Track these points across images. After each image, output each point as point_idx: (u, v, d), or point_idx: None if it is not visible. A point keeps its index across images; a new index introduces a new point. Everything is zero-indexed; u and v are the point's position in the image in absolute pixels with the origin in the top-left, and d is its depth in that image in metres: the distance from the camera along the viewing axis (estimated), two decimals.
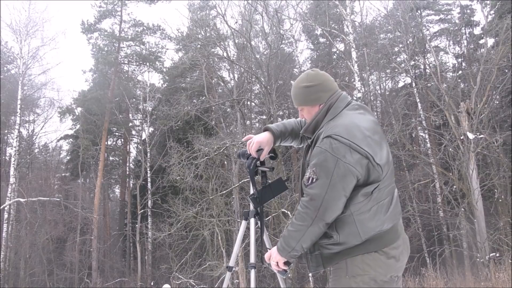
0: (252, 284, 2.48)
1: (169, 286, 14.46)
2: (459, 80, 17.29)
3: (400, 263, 2.08)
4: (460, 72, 17.11)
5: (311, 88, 2.18)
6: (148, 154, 22.60)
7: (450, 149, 13.54)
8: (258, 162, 2.60)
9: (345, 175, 1.93)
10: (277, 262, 2.16)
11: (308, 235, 2.01)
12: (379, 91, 22.43)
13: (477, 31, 21.79)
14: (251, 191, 2.63)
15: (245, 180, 14.98)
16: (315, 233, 2.01)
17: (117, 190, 28.58)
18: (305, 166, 2.16)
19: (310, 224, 1.98)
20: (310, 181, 1.99)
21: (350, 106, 2.16)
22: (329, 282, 2.13)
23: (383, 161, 2.03)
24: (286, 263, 2.17)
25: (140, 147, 24.10)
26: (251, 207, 2.65)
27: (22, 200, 19.71)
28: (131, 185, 26.22)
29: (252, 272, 2.49)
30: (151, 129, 24.64)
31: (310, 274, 15.68)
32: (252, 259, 2.54)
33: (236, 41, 17.68)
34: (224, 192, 15.56)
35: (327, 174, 1.94)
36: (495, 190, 13.85)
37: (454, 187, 14.13)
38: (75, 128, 26.11)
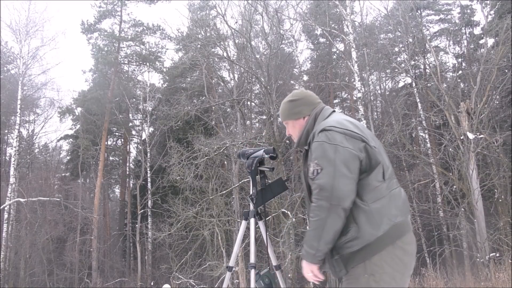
0: (252, 284, 2.48)
1: (169, 286, 14.45)
2: (459, 80, 17.28)
3: (414, 260, 2.10)
4: (460, 72, 17.09)
5: (295, 102, 2.34)
6: (148, 154, 22.60)
7: (450, 149, 13.54)
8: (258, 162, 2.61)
9: (347, 158, 1.98)
10: (312, 272, 2.11)
11: (328, 228, 1.96)
12: (379, 91, 22.42)
13: (477, 31, 21.81)
14: (251, 191, 2.63)
15: (245, 180, 14.98)
16: (335, 222, 1.95)
17: (117, 190, 28.60)
18: (306, 173, 2.18)
19: (327, 215, 1.95)
20: (315, 173, 2.01)
21: (335, 112, 2.32)
22: (344, 282, 2.06)
23: (378, 147, 2.12)
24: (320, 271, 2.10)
25: (140, 147, 24.10)
26: (251, 207, 2.66)
27: (22, 200, 19.70)
28: (131, 185, 26.22)
29: (252, 272, 2.50)
30: (151, 129, 24.64)
31: None
32: (252, 259, 2.54)
33: (236, 41, 17.67)
34: (224, 192, 15.55)
35: (330, 162, 1.98)
36: (495, 190, 13.83)
37: (454, 187, 14.12)
38: (75, 128, 26.14)
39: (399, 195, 2.09)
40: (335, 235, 1.98)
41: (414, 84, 18.23)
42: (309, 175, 2.06)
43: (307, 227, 2.12)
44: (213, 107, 19.36)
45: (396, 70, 18.68)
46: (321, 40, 24.90)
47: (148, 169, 22.21)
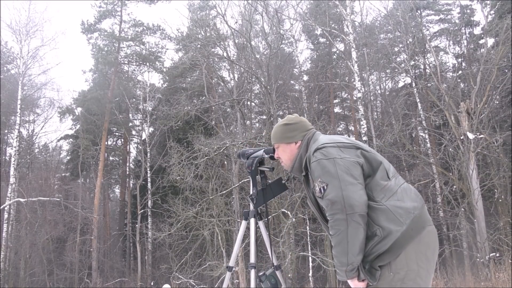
0: (252, 284, 2.48)
1: (169, 286, 14.45)
2: (459, 80, 17.28)
3: (436, 255, 2.09)
4: (460, 72, 17.10)
5: (289, 126, 2.36)
6: (148, 154, 22.59)
7: (450, 149, 13.55)
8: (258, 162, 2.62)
9: (348, 167, 2.02)
10: (358, 286, 2.04)
11: (351, 238, 1.93)
12: (379, 91, 22.43)
13: (477, 31, 21.82)
14: (252, 191, 2.63)
15: (245, 180, 14.97)
16: (357, 231, 1.94)
17: (117, 190, 28.59)
18: (312, 198, 2.24)
19: (347, 225, 1.93)
20: (322, 190, 2.04)
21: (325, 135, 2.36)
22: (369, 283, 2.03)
23: (373, 151, 2.18)
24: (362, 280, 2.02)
25: (140, 147, 24.10)
26: (251, 207, 2.66)
27: (22, 200, 19.69)
28: (131, 185, 26.21)
29: (252, 272, 2.50)
30: (151, 129, 24.64)
31: (310, 274, 15.68)
32: (252, 259, 2.54)
33: (236, 41, 17.66)
34: (224, 192, 15.55)
35: (333, 175, 2.01)
36: (495, 190, 13.84)
37: (454, 187, 14.13)
38: (75, 128, 26.13)
39: (409, 188, 2.12)
40: (361, 245, 1.95)
41: (414, 84, 18.23)
42: (317, 195, 2.09)
43: (332, 246, 2.04)
44: (213, 107, 19.36)
45: (396, 70, 18.70)
46: (321, 40, 24.89)
47: (148, 169, 22.21)
